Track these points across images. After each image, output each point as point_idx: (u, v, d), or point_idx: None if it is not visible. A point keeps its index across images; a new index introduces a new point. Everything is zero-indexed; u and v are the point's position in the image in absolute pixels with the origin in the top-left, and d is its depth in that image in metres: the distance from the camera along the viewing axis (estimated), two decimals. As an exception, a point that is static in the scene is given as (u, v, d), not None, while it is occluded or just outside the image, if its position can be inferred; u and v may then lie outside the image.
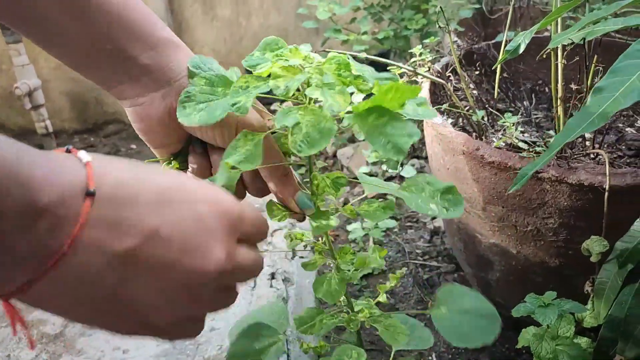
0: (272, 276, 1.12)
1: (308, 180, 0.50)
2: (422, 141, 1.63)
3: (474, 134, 0.90)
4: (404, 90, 0.39)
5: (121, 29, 0.43)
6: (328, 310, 0.54)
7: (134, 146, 2.31)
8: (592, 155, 0.85)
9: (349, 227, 1.34)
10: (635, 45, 0.51)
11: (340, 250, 0.52)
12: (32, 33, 0.43)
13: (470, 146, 0.80)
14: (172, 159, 0.52)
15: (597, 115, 0.46)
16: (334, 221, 0.47)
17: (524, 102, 1.06)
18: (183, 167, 0.52)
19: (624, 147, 0.93)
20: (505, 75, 1.15)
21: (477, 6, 1.64)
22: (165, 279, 0.30)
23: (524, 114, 1.03)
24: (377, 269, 1.25)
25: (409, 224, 1.43)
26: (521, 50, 0.69)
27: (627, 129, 0.99)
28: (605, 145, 0.93)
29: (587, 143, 0.92)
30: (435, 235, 1.35)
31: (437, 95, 1.01)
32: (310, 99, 0.41)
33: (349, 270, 0.51)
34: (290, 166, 0.49)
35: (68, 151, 0.31)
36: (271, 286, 1.08)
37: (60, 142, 2.38)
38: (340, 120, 0.43)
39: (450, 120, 0.93)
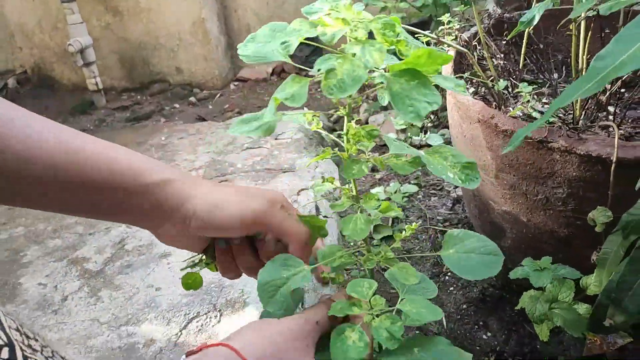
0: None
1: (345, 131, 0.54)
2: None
3: (494, 103, 0.91)
4: (436, 56, 0.42)
5: (118, 193, 0.48)
6: (347, 250, 0.58)
7: (177, 105, 2.41)
8: (611, 129, 0.86)
9: (372, 191, 1.39)
10: (640, 17, 0.51)
11: (366, 196, 0.56)
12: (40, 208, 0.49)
13: (485, 114, 0.82)
14: (202, 255, 0.58)
15: (594, 82, 0.48)
16: (366, 168, 0.51)
17: (553, 75, 1.06)
18: (211, 260, 0.58)
19: (648, 122, 0.92)
20: (536, 47, 1.14)
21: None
22: None
23: (552, 86, 1.03)
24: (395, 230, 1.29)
25: (433, 191, 1.46)
26: (535, 21, 0.70)
27: (655, 105, 0.98)
28: (630, 120, 0.93)
29: (611, 117, 0.92)
30: (457, 204, 1.38)
31: (463, 64, 1.02)
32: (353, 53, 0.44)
33: (372, 215, 0.55)
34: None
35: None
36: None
37: (109, 98, 2.51)
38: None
39: (471, 90, 0.95)
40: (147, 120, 2.29)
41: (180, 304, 1.00)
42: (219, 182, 1.48)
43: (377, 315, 0.47)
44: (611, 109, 0.93)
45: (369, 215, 0.55)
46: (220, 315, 0.95)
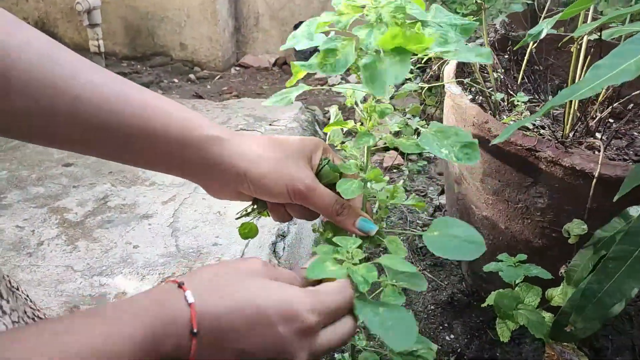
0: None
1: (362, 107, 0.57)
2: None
3: (489, 111, 0.94)
4: (411, 36, 0.45)
5: (172, 144, 0.50)
6: None
7: (175, 80, 2.41)
8: (597, 148, 0.89)
9: (359, 187, 1.41)
10: (639, 35, 0.55)
11: (371, 168, 0.58)
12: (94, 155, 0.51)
13: (480, 118, 0.85)
14: (253, 205, 0.59)
15: (588, 88, 0.52)
16: (373, 140, 0.54)
17: (548, 96, 1.10)
18: (263, 208, 0.59)
19: (631, 152, 0.96)
20: (536, 67, 1.18)
21: (530, 1, 1.65)
22: None
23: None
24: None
25: (417, 197, 1.48)
26: (543, 35, 0.73)
27: (640, 137, 1.02)
28: (615, 148, 0.97)
29: (599, 142, 0.96)
30: (438, 211, 1.41)
31: (464, 72, 1.06)
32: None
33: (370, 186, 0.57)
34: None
35: (180, 285, 0.39)
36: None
37: (109, 63, 2.50)
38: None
39: (470, 96, 0.98)
40: (144, 90, 2.28)
41: (156, 263, 1.00)
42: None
43: (355, 264, 0.50)
44: (599, 135, 0.97)
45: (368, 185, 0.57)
46: (195, 278, 0.96)
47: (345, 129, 0.65)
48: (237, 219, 0.61)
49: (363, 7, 0.50)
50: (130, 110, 0.48)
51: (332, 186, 0.59)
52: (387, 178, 0.64)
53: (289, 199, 0.53)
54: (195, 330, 0.37)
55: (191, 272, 0.43)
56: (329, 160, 0.58)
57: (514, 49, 0.85)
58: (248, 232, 0.61)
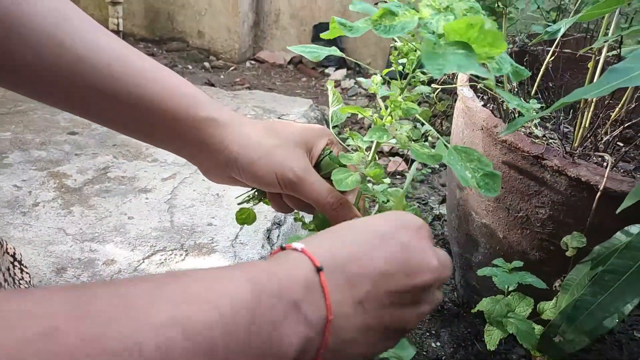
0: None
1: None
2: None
3: (499, 118, 0.94)
4: (488, 32, 0.41)
5: (168, 119, 0.48)
6: None
7: (190, 67, 2.41)
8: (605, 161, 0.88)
9: (361, 187, 1.40)
10: (660, 44, 0.54)
11: (374, 164, 0.55)
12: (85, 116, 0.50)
13: (489, 122, 0.84)
14: (254, 190, 0.58)
15: (603, 89, 0.51)
16: (387, 136, 0.51)
17: (560, 113, 1.09)
18: (262, 196, 0.58)
19: (639, 175, 0.95)
20: (550, 84, 1.17)
21: (550, 24, 1.65)
22: (400, 300, 0.36)
23: (554, 123, 1.06)
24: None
25: (417, 205, 1.47)
26: (560, 34, 0.72)
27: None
28: (622, 170, 0.96)
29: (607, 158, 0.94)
30: (436, 220, 1.40)
31: (478, 77, 1.05)
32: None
33: (367, 180, 0.54)
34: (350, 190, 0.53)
35: (282, 248, 0.37)
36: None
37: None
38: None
39: (481, 103, 0.97)
40: (157, 73, 2.28)
41: (149, 236, 0.99)
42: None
43: None
44: (607, 157, 0.96)
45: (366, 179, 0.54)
46: (186, 254, 0.95)
47: (348, 116, 0.62)
48: (238, 204, 0.59)
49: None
50: (130, 78, 0.46)
51: (331, 180, 0.57)
52: (388, 180, 0.60)
53: (280, 188, 0.51)
54: (319, 266, 0.34)
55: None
56: (331, 152, 0.56)
57: (530, 44, 0.84)
58: (245, 217, 0.59)
